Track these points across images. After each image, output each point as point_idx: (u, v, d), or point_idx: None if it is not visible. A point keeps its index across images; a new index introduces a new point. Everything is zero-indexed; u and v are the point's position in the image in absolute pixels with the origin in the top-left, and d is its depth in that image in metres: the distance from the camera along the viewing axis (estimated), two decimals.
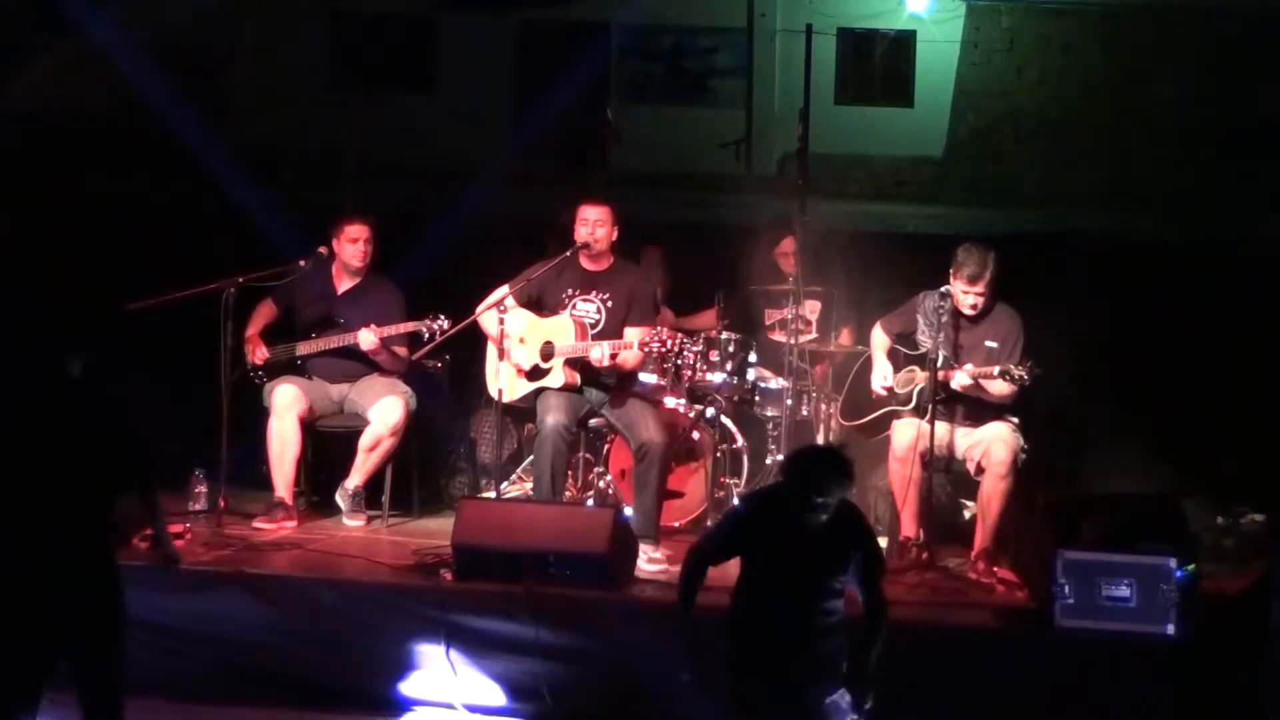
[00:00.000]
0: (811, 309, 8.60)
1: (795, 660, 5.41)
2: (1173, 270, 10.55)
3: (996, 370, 7.38)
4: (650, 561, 7.42)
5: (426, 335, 7.94)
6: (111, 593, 5.40)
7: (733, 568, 5.59)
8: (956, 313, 7.60)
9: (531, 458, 8.05)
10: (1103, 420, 8.92)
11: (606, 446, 8.29)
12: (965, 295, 7.53)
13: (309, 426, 8.11)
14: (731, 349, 8.35)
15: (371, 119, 17.33)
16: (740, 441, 8.40)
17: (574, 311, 7.86)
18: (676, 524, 8.13)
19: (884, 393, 7.78)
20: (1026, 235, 13.27)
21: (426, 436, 8.51)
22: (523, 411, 8.23)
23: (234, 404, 7.82)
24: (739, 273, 9.01)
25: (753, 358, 8.46)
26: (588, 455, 8.34)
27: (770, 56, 20.68)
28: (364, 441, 8.09)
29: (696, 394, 8.40)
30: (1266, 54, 18.39)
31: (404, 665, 6.95)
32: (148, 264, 9.54)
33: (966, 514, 8.16)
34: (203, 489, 8.09)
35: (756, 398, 8.55)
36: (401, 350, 8.19)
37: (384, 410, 8.04)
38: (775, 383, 8.52)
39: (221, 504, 7.89)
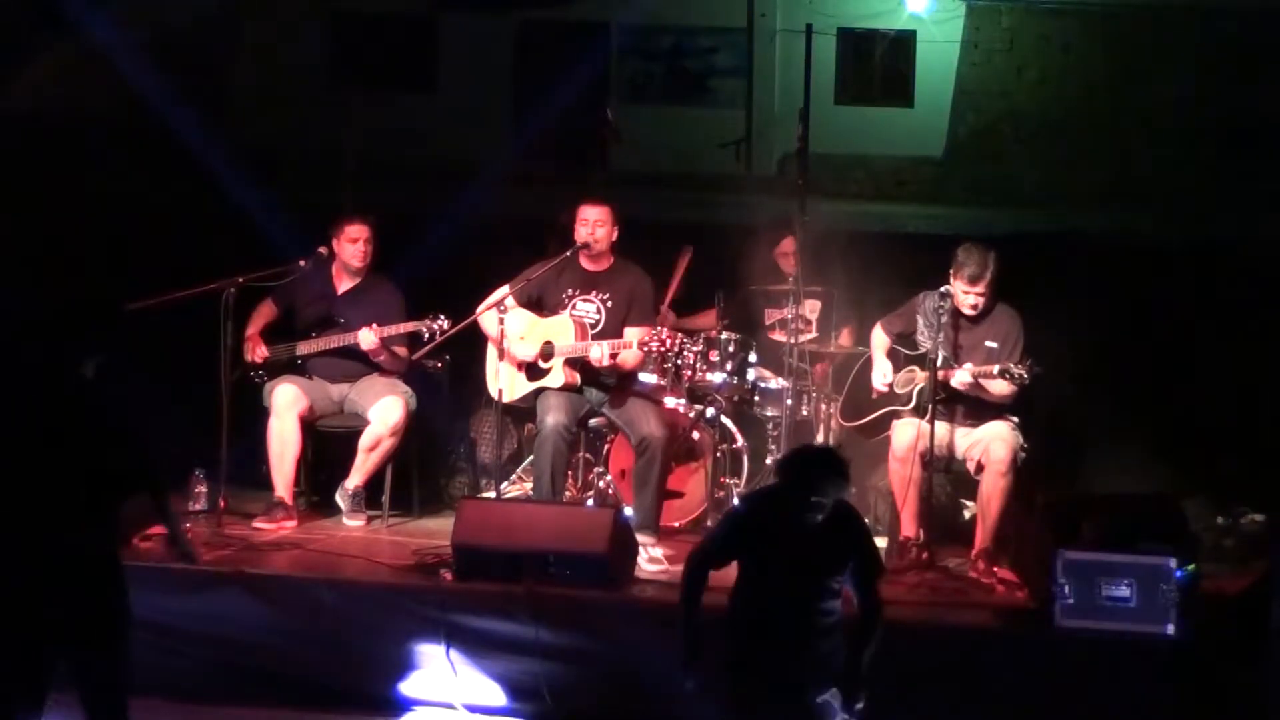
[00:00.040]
0: (811, 309, 8.60)
1: (794, 660, 5.42)
2: (1173, 270, 10.55)
3: (996, 369, 7.38)
4: (651, 561, 7.42)
5: (426, 335, 7.95)
6: (114, 593, 5.39)
7: (732, 568, 5.60)
8: (956, 313, 7.60)
9: (531, 458, 8.05)
10: (1103, 420, 8.92)
11: (606, 446, 8.29)
12: (966, 295, 7.53)
13: (309, 426, 8.11)
14: (731, 349, 8.35)
15: (371, 119, 17.33)
16: (740, 441, 8.40)
17: (574, 311, 7.87)
18: (676, 524, 8.13)
19: (886, 389, 7.77)
20: (1026, 235, 13.27)
21: (426, 436, 8.51)
22: (523, 411, 8.23)
23: (234, 404, 7.82)
24: (739, 273, 9.01)
25: (753, 358, 8.46)
26: (588, 455, 8.34)
27: (770, 56, 20.69)
28: (364, 441, 8.09)
29: (696, 394, 8.39)
30: (1266, 54, 18.39)
31: (404, 665, 6.95)
32: (148, 264, 9.54)
33: (966, 514, 8.16)
34: (203, 489, 8.09)
35: (756, 398, 8.55)
36: (401, 350, 8.19)
37: (384, 410, 8.04)
38: (775, 383, 8.52)
39: (221, 504, 7.89)
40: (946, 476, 8.01)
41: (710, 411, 8.32)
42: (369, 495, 8.20)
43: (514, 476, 8.68)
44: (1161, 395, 9.40)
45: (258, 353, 8.18)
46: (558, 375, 7.79)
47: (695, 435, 8.32)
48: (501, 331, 7.77)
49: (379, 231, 8.28)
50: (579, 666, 6.83)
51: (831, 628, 5.46)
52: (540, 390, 7.84)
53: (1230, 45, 19.19)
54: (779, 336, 8.53)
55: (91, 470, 5.36)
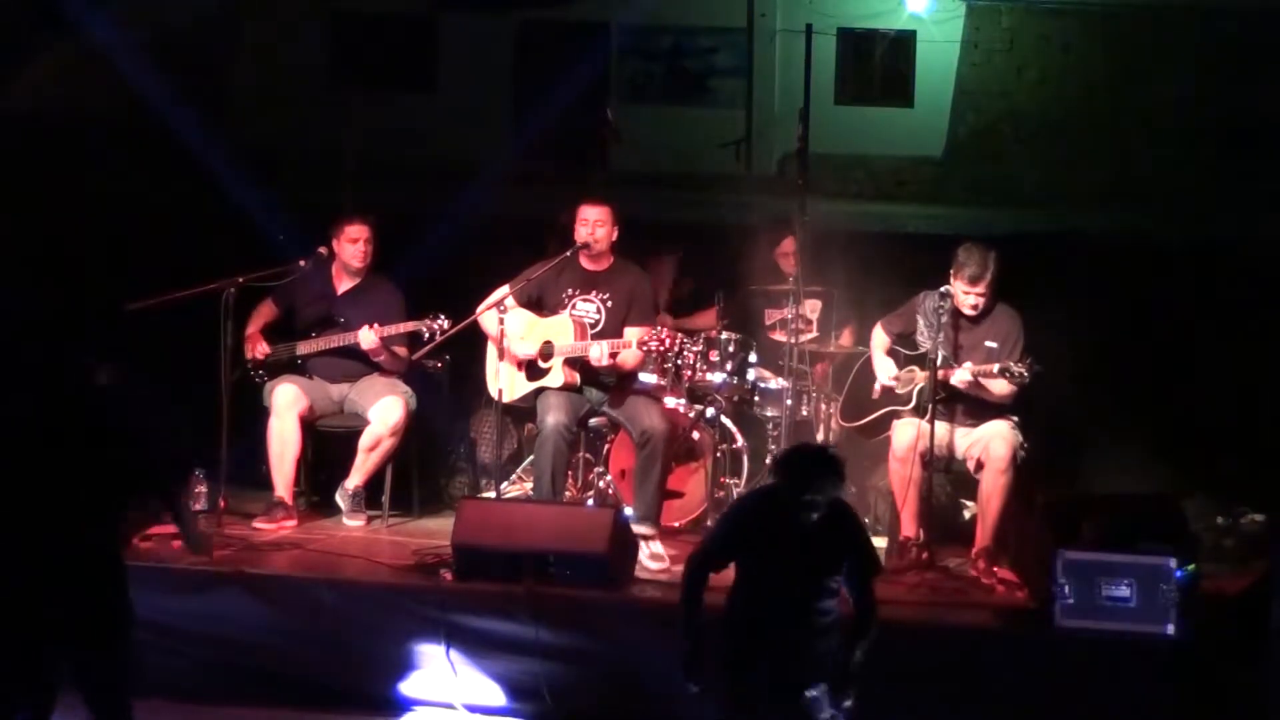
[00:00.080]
0: (812, 309, 8.60)
1: (793, 660, 5.42)
2: (1173, 270, 10.56)
3: (996, 368, 7.38)
4: (653, 557, 7.43)
5: (426, 335, 7.94)
6: (114, 593, 5.39)
7: (732, 569, 5.60)
8: (956, 313, 7.60)
9: (531, 458, 8.05)
10: (1103, 420, 8.92)
11: (606, 446, 8.29)
12: (966, 296, 7.53)
13: (309, 426, 8.11)
14: (731, 349, 8.35)
15: (371, 119, 17.32)
16: (740, 441, 8.40)
17: (574, 311, 7.87)
18: (676, 524, 8.13)
19: (893, 383, 7.76)
20: (1026, 235, 13.26)
21: (426, 436, 8.51)
22: (523, 411, 8.22)
23: (234, 404, 7.82)
24: (739, 273, 9.01)
25: (753, 358, 8.46)
26: (588, 455, 8.34)
27: (770, 56, 20.68)
28: (364, 441, 8.09)
29: (696, 394, 8.40)
30: (1266, 54, 18.39)
31: (404, 665, 6.95)
32: (148, 264, 9.54)
33: (966, 514, 8.16)
34: (203, 489, 8.09)
35: (756, 398, 8.55)
36: (401, 350, 8.19)
37: (384, 410, 8.04)
38: (775, 383, 8.52)
39: (221, 504, 7.89)
40: (946, 476, 8.01)
41: (710, 411, 8.32)
42: (369, 495, 8.20)
43: (514, 476, 8.67)
44: (1161, 395, 9.40)
45: (259, 349, 8.18)
46: (557, 375, 7.78)
47: (695, 435, 8.32)
48: (502, 331, 7.77)
49: (379, 231, 8.28)
50: (579, 666, 6.83)
51: (829, 627, 5.47)
52: (540, 390, 7.83)
53: (1230, 45, 19.19)
54: (779, 336, 8.53)
55: (92, 470, 5.36)
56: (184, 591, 7.04)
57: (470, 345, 8.17)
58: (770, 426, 8.49)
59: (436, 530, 7.89)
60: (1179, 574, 6.61)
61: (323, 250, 8.22)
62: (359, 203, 9.57)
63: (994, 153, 20.15)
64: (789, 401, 8.31)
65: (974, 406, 7.60)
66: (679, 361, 8.08)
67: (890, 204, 18.54)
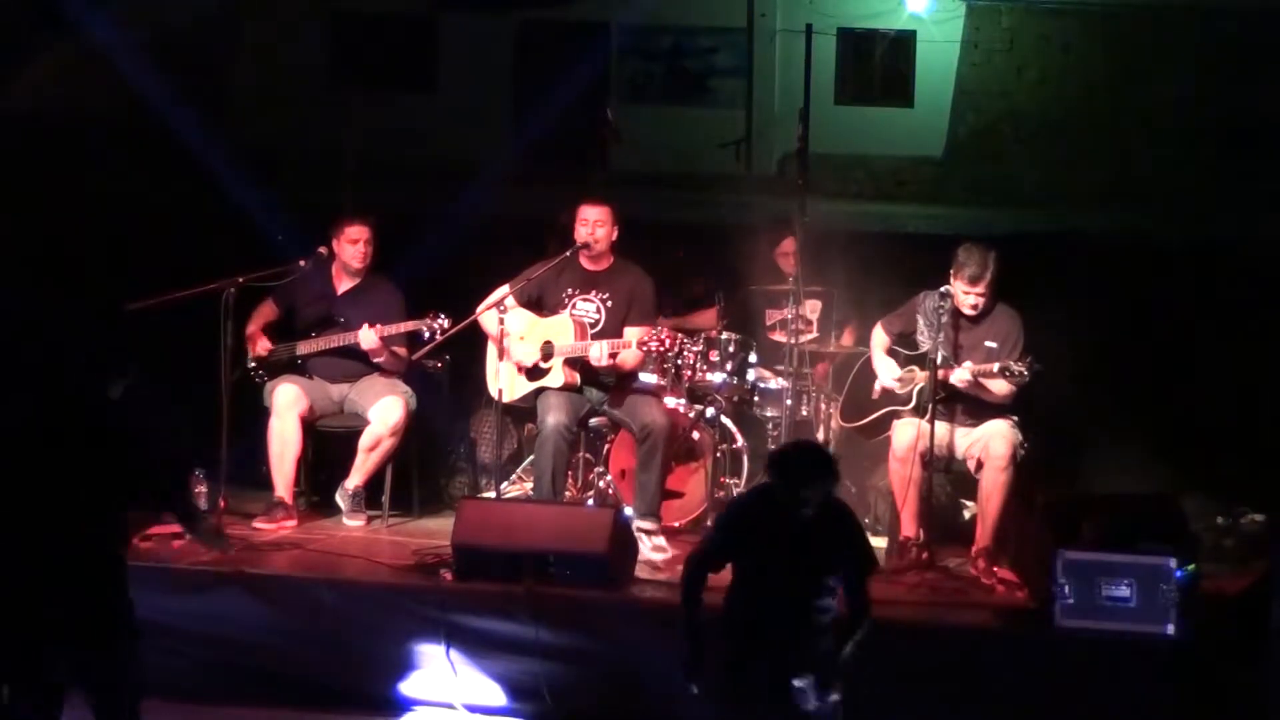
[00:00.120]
0: (812, 309, 8.60)
1: (791, 660, 5.42)
2: (1173, 270, 10.57)
3: (996, 367, 7.38)
4: (656, 550, 7.43)
5: (426, 335, 7.94)
6: (114, 593, 5.39)
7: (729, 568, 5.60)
8: (956, 313, 7.59)
9: (531, 458, 8.05)
10: (1103, 420, 8.92)
11: (606, 446, 8.29)
12: (966, 296, 7.53)
13: (309, 426, 8.11)
14: (731, 349, 8.35)
15: (371, 119, 17.34)
16: (740, 441, 8.40)
17: (574, 311, 7.87)
18: (676, 524, 8.12)
19: (895, 384, 7.75)
20: (1026, 235, 13.28)
21: (426, 436, 8.51)
22: (523, 411, 8.23)
23: (234, 404, 7.82)
24: (739, 273, 9.01)
25: (753, 358, 8.46)
26: (588, 455, 8.34)
27: (770, 56, 20.68)
28: (364, 441, 8.09)
29: (696, 394, 8.39)
30: (1266, 54, 18.39)
31: (404, 665, 6.95)
32: (148, 264, 9.54)
33: (966, 514, 8.16)
34: (203, 489, 8.07)
35: (756, 398, 8.55)
36: (401, 350, 8.19)
37: (384, 410, 8.04)
38: (775, 383, 8.51)
39: (221, 504, 7.89)
40: (946, 476, 8.01)
41: (710, 411, 8.32)
42: (369, 495, 8.20)
43: (514, 476, 8.67)
44: (1161, 395, 9.41)
45: (261, 346, 8.17)
46: (558, 375, 7.79)
47: (695, 435, 8.32)
48: (502, 331, 7.77)
49: (379, 231, 8.28)
50: (579, 666, 6.83)
51: (827, 627, 5.47)
52: (540, 390, 7.84)
53: (1230, 45, 19.19)
54: (779, 336, 8.53)
55: (92, 470, 5.36)
56: (184, 591, 7.04)
57: (470, 345, 8.17)
58: (770, 426, 8.49)
59: (436, 530, 7.88)
60: (1179, 574, 6.61)
61: (323, 250, 8.22)
62: (359, 203, 9.58)
63: (994, 153, 20.16)
64: (789, 401, 8.31)
65: (974, 406, 7.60)
66: (679, 361, 8.09)
67: (890, 204, 18.55)
